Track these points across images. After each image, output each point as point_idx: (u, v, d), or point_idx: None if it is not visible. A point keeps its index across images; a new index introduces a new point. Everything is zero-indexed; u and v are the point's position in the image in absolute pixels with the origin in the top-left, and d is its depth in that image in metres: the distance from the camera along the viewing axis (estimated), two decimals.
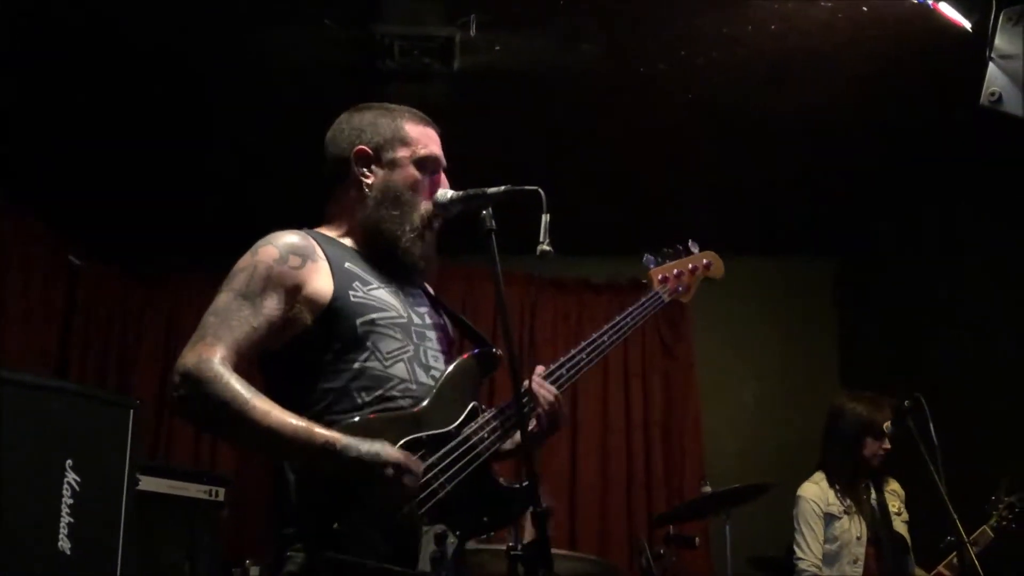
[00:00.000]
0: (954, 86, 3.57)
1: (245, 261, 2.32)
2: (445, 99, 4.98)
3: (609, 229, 6.57)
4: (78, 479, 3.92)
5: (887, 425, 4.40)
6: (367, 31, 4.49)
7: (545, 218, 2.28)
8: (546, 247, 2.26)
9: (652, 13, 4.38)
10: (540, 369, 2.56)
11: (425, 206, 2.51)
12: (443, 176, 2.58)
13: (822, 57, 4.66)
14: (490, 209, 2.35)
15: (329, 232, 2.51)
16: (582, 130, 5.45)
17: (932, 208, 6.09)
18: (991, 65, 2.43)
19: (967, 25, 3.73)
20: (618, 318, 2.71)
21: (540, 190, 2.31)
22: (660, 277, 2.89)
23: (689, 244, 2.99)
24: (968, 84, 2.57)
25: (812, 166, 5.87)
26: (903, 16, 4.24)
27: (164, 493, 4.94)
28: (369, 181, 2.50)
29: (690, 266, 2.96)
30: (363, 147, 2.51)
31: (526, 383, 2.45)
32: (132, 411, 4.28)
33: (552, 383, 2.52)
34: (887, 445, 4.52)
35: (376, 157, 2.51)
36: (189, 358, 2.15)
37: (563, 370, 2.56)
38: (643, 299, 2.81)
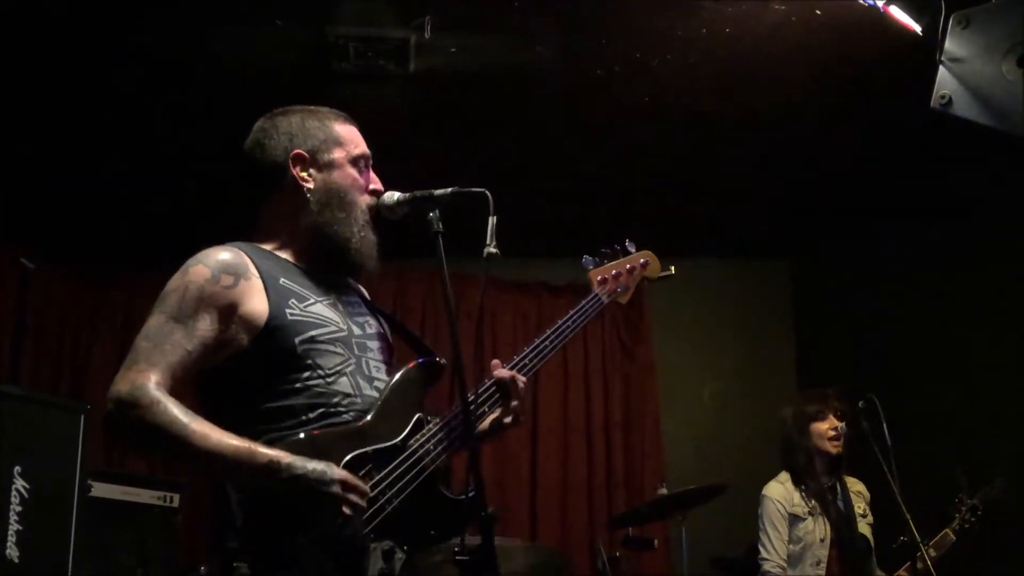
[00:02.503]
0: (905, 89, 3.60)
1: (176, 282, 2.27)
2: (400, 101, 4.95)
3: (568, 231, 6.56)
4: (27, 485, 3.88)
5: (842, 426, 4.45)
6: (321, 32, 4.45)
7: (492, 220, 2.26)
8: (493, 249, 2.25)
9: (606, 15, 4.38)
10: (497, 362, 2.54)
11: (364, 200, 2.49)
12: (371, 172, 2.57)
13: (775, 60, 4.68)
14: (437, 211, 2.34)
15: (262, 244, 2.46)
16: (538, 132, 5.44)
17: (886, 209, 6.14)
18: (941, 68, 2.43)
19: (917, 28, 3.75)
20: (559, 322, 2.69)
21: (487, 192, 2.29)
22: (599, 279, 2.90)
23: (626, 244, 3.00)
24: (918, 87, 2.58)
25: (767, 168, 5.90)
26: (854, 20, 4.26)
27: (117, 499, 4.87)
28: (310, 185, 2.46)
29: (628, 266, 2.96)
30: (299, 151, 2.47)
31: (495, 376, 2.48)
32: (83, 416, 4.23)
33: (495, 389, 2.50)
34: (833, 423, 4.54)
35: (312, 160, 2.47)
36: (122, 385, 2.11)
37: None
38: (583, 302, 2.80)
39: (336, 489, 2.08)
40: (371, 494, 2.16)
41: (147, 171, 5.75)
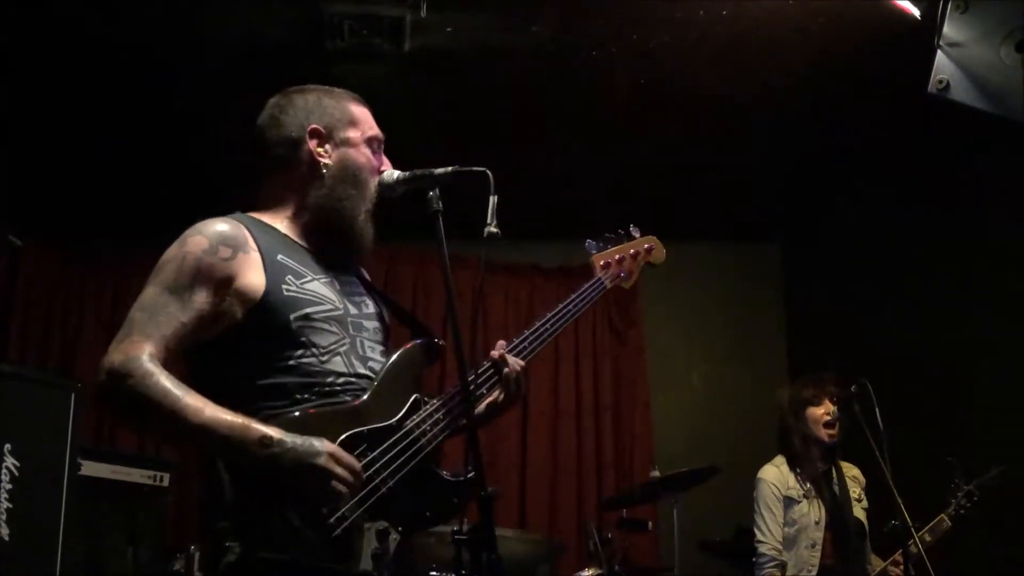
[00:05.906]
0: (902, 73, 3.59)
1: (173, 252, 2.25)
2: (395, 80, 4.93)
3: (560, 213, 6.55)
4: (17, 463, 3.84)
5: (835, 411, 4.45)
6: (315, 9, 4.42)
7: (493, 199, 2.25)
8: (493, 229, 2.23)
9: None
10: (501, 344, 2.55)
11: (375, 182, 2.49)
12: (383, 156, 2.57)
13: (772, 42, 4.67)
14: (436, 190, 2.33)
15: (264, 217, 2.44)
16: (532, 113, 5.42)
17: (879, 193, 6.14)
18: (939, 52, 2.43)
19: (916, 12, 3.75)
20: (561, 306, 2.70)
21: (487, 171, 2.28)
22: (602, 263, 2.90)
23: (631, 229, 3.00)
24: (916, 71, 2.58)
25: (760, 151, 5.90)
26: (853, 2, 4.26)
27: (107, 478, 4.84)
28: (326, 160, 2.45)
29: (632, 251, 2.96)
30: (316, 126, 2.47)
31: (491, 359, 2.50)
32: (73, 394, 4.19)
33: (493, 371, 2.50)
34: (829, 408, 4.54)
35: (329, 136, 2.48)
36: (115, 356, 2.10)
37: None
38: (585, 286, 2.80)
39: (323, 461, 2.08)
40: (360, 467, 2.15)
41: (137, 147, 5.71)
